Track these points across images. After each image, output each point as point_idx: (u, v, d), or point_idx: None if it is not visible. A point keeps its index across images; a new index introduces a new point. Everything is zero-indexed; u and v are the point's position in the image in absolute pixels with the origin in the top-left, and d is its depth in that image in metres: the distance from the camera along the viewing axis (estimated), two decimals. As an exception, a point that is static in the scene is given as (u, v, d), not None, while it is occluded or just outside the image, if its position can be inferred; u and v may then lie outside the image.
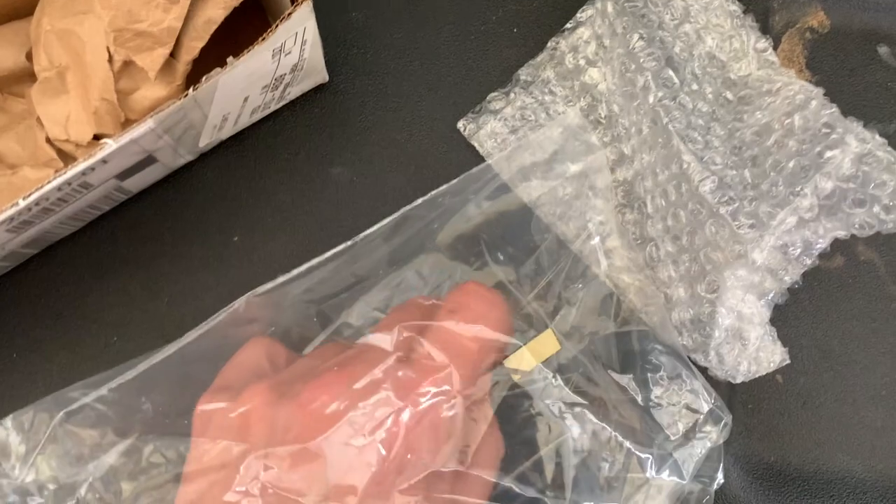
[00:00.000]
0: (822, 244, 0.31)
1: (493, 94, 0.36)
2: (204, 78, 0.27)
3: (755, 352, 0.31)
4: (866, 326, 0.36)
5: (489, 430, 0.25)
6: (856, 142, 0.28)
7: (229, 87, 0.29)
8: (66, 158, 0.31)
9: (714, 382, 0.32)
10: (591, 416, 0.27)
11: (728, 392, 0.35)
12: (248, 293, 0.29)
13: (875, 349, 0.35)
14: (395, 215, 0.29)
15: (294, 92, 0.35)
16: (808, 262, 0.32)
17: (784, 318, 0.35)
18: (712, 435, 0.29)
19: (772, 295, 0.32)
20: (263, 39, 0.28)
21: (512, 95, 0.36)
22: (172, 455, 0.26)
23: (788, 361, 0.31)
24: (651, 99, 0.31)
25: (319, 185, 0.36)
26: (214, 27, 0.29)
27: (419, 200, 0.30)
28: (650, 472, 0.28)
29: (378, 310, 0.31)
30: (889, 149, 0.29)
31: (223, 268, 0.35)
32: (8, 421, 0.26)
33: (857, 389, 0.35)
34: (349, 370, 0.24)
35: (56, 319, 0.35)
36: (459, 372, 0.24)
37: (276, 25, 0.27)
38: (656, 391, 0.29)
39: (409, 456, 0.22)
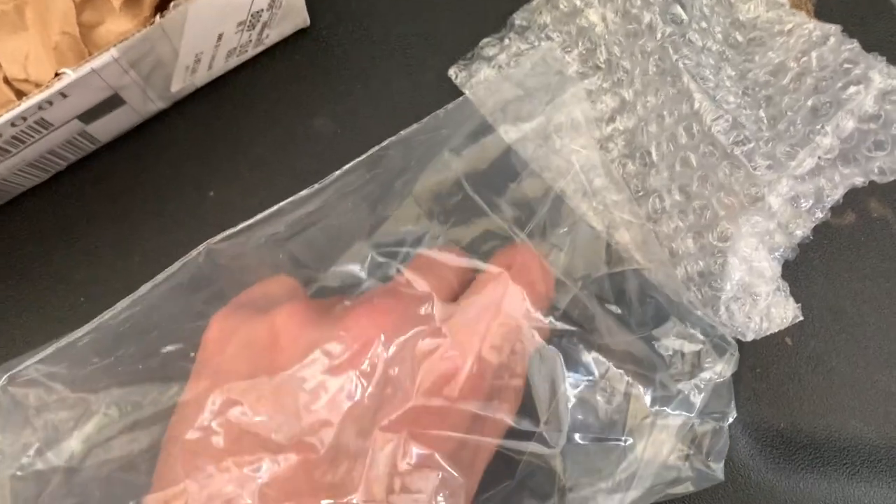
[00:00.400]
0: (836, 195, 0.30)
1: (486, 40, 0.34)
2: (172, 4, 0.25)
3: (766, 308, 0.29)
4: (880, 286, 0.34)
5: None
6: (879, 77, 0.26)
7: (201, 19, 0.27)
8: (27, 101, 0.29)
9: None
10: (584, 346, 0.25)
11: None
12: (207, 241, 0.27)
13: (889, 310, 0.34)
14: (365, 156, 0.27)
15: (273, 36, 0.32)
16: (820, 215, 0.30)
17: (794, 277, 0.33)
18: (717, 367, 0.27)
19: (782, 250, 0.30)
20: (236, -36, 0.26)
21: (506, 41, 0.33)
22: (128, 406, 0.24)
23: (801, 318, 0.29)
24: (658, 36, 0.29)
25: (301, 138, 0.34)
26: (184, -47, 0.27)
27: (386, 141, 0.28)
28: (654, 407, 0.26)
29: (363, 270, 0.29)
30: None
31: (198, 224, 0.33)
32: None
33: (871, 352, 0.33)
34: (395, 302, 0.22)
35: (20, 279, 0.33)
36: (441, 300, 0.22)
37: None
38: (654, 326, 0.27)
39: (388, 390, 0.20)
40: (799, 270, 0.34)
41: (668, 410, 0.26)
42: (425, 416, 0.21)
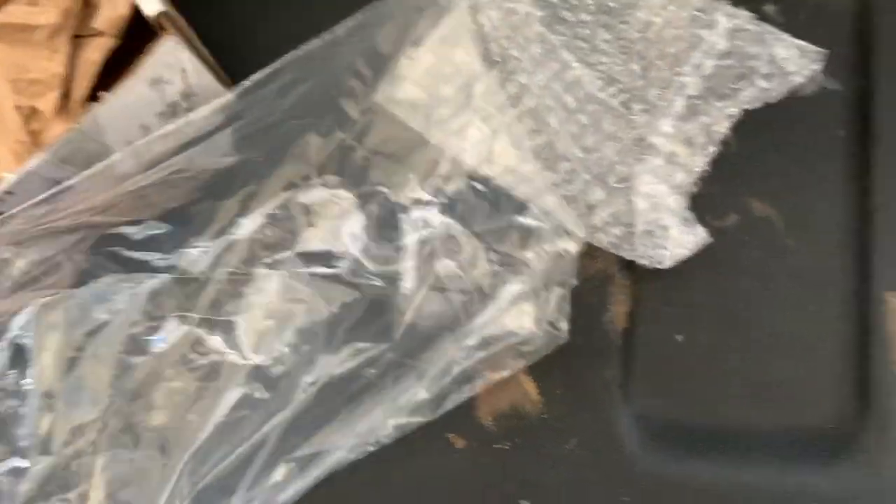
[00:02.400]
0: (723, 128, 0.34)
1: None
2: (84, 111, 0.32)
3: (677, 236, 0.34)
4: (764, 281, 0.36)
5: None
6: (725, 18, 0.32)
7: (117, 119, 0.33)
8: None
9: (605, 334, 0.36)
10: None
11: (624, 349, 0.36)
12: None
13: (772, 303, 0.36)
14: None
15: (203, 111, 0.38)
16: (713, 148, 0.34)
17: (679, 275, 0.35)
18: (561, 244, 0.35)
19: (685, 186, 0.35)
20: (132, 74, 0.32)
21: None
22: None
23: (711, 240, 0.34)
24: (535, 25, 0.35)
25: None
26: (97, 68, 0.33)
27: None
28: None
29: None
30: (757, 21, 0.33)
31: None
32: None
33: (760, 345, 0.35)
34: None
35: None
36: None
37: (140, 62, 0.32)
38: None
39: None
40: (684, 269, 0.35)
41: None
42: None
